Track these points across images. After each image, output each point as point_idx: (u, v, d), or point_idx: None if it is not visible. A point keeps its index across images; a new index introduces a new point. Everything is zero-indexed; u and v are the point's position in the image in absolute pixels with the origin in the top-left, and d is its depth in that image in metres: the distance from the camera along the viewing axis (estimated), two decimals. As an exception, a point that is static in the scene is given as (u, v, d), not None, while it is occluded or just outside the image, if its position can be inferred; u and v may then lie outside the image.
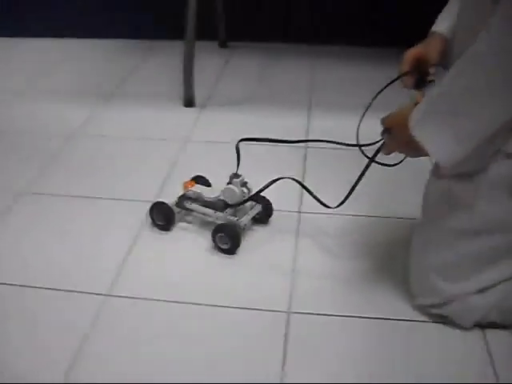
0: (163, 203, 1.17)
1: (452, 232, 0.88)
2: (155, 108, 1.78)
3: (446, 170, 0.85)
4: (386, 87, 0.94)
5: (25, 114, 1.76)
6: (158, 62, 2.14)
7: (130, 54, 2.23)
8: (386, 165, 1.00)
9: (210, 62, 2.13)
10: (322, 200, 1.09)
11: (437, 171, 0.90)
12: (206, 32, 2.24)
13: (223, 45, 2.31)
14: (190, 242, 1.16)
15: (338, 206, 1.04)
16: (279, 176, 1.11)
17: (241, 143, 1.13)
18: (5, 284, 1.04)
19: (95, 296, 1.01)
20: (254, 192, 1.14)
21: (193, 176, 1.25)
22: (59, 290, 1.03)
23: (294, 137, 1.21)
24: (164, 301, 1.00)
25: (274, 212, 1.22)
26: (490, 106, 0.76)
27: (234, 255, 1.12)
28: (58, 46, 2.34)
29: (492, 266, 0.88)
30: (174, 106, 1.79)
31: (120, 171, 1.42)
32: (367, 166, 0.97)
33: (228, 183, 1.14)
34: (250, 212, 1.17)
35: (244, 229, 1.15)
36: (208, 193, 1.18)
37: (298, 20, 2.24)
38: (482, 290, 0.89)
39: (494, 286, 0.89)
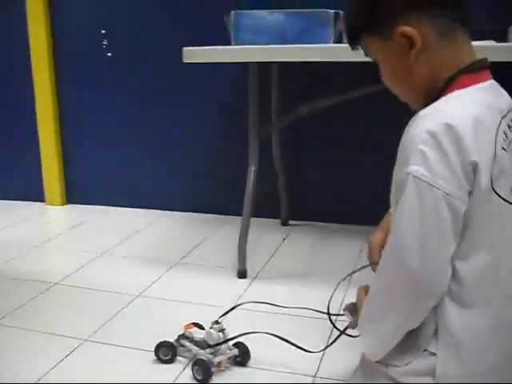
0: (167, 341, 1.45)
1: None
2: (212, 277, 2.01)
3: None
4: (359, 270, 1.12)
5: (100, 273, 2.04)
6: (225, 236, 2.41)
7: (202, 227, 2.54)
8: (354, 336, 1.14)
9: (269, 238, 2.39)
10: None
11: None
12: (271, 210, 2.54)
13: (285, 223, 2.57)
14: (177, 372, 1.39)
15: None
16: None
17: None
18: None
19: None
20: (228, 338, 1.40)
21: (193, 322, 1.50)
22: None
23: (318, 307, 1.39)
24: None
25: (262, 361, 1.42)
26: (394, 315, 0.92)
27: None
28: (139, 215, 2.73)
29: None
30: (229, 277, 2.00)
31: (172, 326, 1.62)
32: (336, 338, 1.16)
33: (210, 328, 1.41)
34: (226, 353, 1.40)
35: (217, 366, 1.37)
36: (198, 334, 1.45)
37: (350, 202, 2.48)
38: None
39: None
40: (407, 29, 0.90)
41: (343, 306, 1.13)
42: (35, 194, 2.96)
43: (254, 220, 2.20)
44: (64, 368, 1.44)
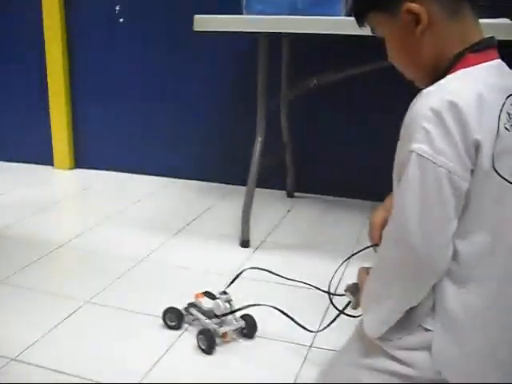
0: (175, 308, 1.47)
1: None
2: (215, 245, 2.03)
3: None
4: (360, 251, 1.12)
5: (105, 237, 2.08)
6: (230, 205, 2.42)
7: (208, 195, 2.56)
8: (353, 316, 1.15)
9: (274, 209, 2.40)
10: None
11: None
12: (278, 182, 2.56)
13: (290, 195, 2.58)
14: (185, 341, 1.41)
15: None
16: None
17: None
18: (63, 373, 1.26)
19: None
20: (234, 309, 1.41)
21: (204, 291, 1.51)
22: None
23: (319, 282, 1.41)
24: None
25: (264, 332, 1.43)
26: (395, 293, 0.93)
27: (210, 355, 1.36)
28: (146, 182, 2.75)
29: None
30: (232, 246, 2.03)
31: (173, 291, 1.64)
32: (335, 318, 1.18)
33: (217, 298, 1.43)
34: (232, 324, 1.42)
35: (222, 336, 1.40)
36: (207, 303, 1.45)
37: (354, 177, 2.48)
38: None
39: None
40: (413, 5, 0.90)
41: (344, 287, 1.13)
42: (44, 157, 2.99)
43: (260, 191, 2.22)
44: (64, 328, 1.47)
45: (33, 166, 3.02)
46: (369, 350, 1.01)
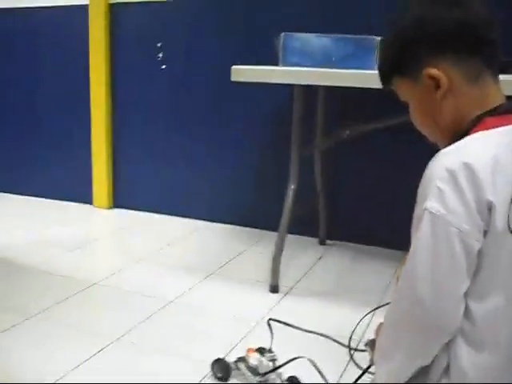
0: (223, 360, 1.47)
1: None
2: (245, 290, 2.06)
3: None
4: (386, 305, 1.12)
5: (138, 277, 2.13)
6: (262, 251, 2.45)
7: (240, 240, 2.60)
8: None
9: (306, 255, 2.42)
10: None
11: None
12: (310, 229, 2.58)
13: (322, 242, 2.60)
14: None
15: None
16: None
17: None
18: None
19: None
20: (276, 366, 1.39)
21: (258, 347, 1.49)
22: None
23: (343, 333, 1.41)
24: None
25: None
26: (404, 349, 0.92)
27: None
28: (180, 224, 2.81)
29: None
30: (261, 291, 2.05)
31: (200, 334, 1.67)
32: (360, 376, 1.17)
33: (262, 355, 1.42)
34: (276, 381, 1.41)
35: None
36: (254, 360, 1.43)
37: (386, 226, 2.49)
38: None
39: None
40: (433, 71, 0.94)
41: (365, 341, 1.14)
42: (84, 196, 3.09)
43: (292, 237, 2.25)
44: (93, 364, 1.51)
45: (73, 204, 3.12)
46: None
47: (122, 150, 3.02)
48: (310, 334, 1.65)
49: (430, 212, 0.86)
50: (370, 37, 1.84)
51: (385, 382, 0.97)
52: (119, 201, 3.08)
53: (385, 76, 1.05)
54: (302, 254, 2.45)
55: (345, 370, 1.48)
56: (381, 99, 2.18)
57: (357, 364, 1.22)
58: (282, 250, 2.07)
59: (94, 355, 1.55)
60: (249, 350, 1.48)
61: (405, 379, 0.94)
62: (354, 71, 1.80)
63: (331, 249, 2.55)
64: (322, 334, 1.57)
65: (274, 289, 2.04)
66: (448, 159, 0.88)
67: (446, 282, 0.86)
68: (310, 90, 2.17)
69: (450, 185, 0.85)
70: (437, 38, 0.94)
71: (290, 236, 2.14)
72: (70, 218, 2.90)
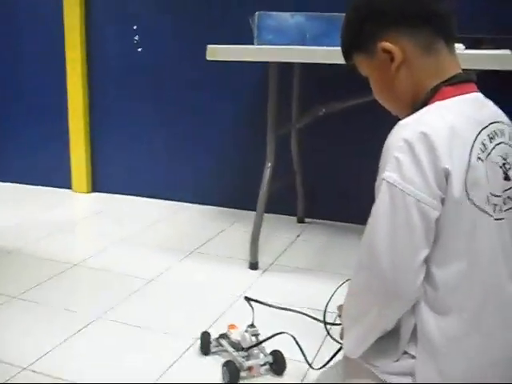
0: (208, 333, 1.49)
1: None
2: (224, 267, 2.09)
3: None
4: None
5: (118, 258, 2.14)
6: (241, 230, 2.48)
7: (219, 220, 2.62)
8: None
9: (284, 234, 2.45)
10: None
11: None
12: (288, 207, 2.61)
13: (300, 220, 2.63)
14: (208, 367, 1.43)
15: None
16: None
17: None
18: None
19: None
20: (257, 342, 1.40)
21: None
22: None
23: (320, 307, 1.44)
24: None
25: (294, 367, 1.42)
26: (367, 314, 0.95)
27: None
28: (159, 206, 2.83)
29: None
30: (241, 268, 2.08)
31: (181, 310, 1.70)
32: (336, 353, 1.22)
33: (245, 330, 1.40)
34: (259, 359, 1.41)
35: (249, 370, 1.37)
36: (236, 335, 1.44)
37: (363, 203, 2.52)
38: None
39: None
40: (387, 44, 0.96)
41: (337, 305, 1.17)
42: (63, 181, 3.08)
43: (271, 216, 2.28)
44: (75, 341, 1.54)
45: (52, 189, 3.11)
46: (355, 371, 1.03)
47: (101, 134, 3.02)
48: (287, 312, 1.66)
49: (388, 182, 0.88)
50: (343, 14, 1.85)
51: (354, 346, 0.99)
52: (98, 185, 3.08)
53: (345, 53, 1.08)
54: (280, 232, 2.47)
55: (321, 344, 1.51)
56: (356, 76, 2.22)
57: (334, 338, 1.25)
58: (260, 228, 2.10)
59: (76, 333, 1.57)
60: (230, 326, 1.50)
61: (370, 343, 0.97)
62: (327, 48, 1.82)
63: (309, 226, 2.58)
64: (297, 311, 1.60)
65: (254, 266, 2.07)
66: (405, 130, 0.90)
67: (404, 251, 0.88)
68: (285, 69, 2.19)
69: (407, 155, 0.87)
70: (386, 14, 0.97)
71: (268, 215, 2.17)
72: (49, 202, 2.90)
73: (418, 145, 0.86)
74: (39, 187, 3.14)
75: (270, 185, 2.13)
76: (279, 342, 1.44)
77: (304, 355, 1.40)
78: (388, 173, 0.89)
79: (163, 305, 1.77)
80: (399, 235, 0.88)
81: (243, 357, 1.40)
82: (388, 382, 0.95)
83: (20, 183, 3.19)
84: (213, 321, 1.65)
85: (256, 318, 1.47)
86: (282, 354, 1.41)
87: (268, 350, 1.43)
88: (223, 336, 1.49)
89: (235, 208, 2.77)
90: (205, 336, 1.49)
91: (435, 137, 0.86)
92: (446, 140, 0.87)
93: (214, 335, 1.49)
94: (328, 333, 1.29)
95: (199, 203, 2.86)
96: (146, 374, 1.39)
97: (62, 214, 2.74)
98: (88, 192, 3.06)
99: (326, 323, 1.29)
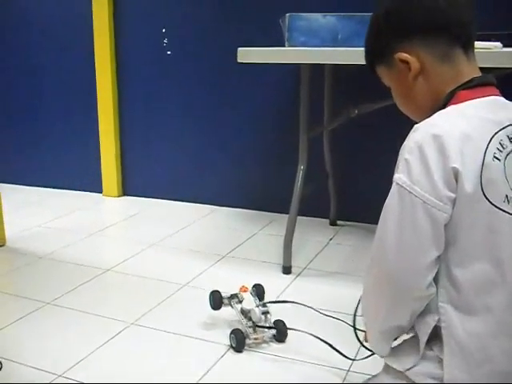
0: (218, 292, 1.63)
1: None
2: (258, 271, 2.06)
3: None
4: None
5: (151, 262, 2.14)
6: (274, 233, 2.46)
7: (252, 223, 2.61)
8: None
9: (317, 237, 2.43)
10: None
11: None
12: (321, 210, 2.58)
13: (333, 223, 2.60)
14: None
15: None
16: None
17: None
18: None
19: None
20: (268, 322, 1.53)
21: (253, 284, 1.64)
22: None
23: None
24: None
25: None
26: (380, 310, 0.97)
27: (239, 353, 1.49)
28: (191, 209, 2.81)
29: None
30: (275, 272, 2.05)
31: (215, 317, 1.68)
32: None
33: (256, 306, 1.55)
34: (264, 332, 1.53)
35: (256, 339, 1.51)
36: (247, 303, 1.55)
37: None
38: None
39: None
40: (404, 55, 0.98)
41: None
42: (94, 185, 3.10)
43: (303, 219, 2.25)
44: (109, 348, 1.53)
45: (83, 193, 3.13)
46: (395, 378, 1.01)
47: (130, 139, 3.03)
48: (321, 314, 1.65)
49: (397, 183, 0.91)
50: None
51: (376, 344, 1.03)
52: (129, 189, 3.09)
53: (369, 65, 1.11)
54: (313, 235, 2.45)
55: (359, 349, 1.48)
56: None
57: (363, 345, 1.24)
58: (293, 231, 2.08)
59: (109, 340, 1.56)
60: (242, 289, 1.62)
61: (391, 339, 1.00)
62: (359, 49, 1.78)
63: (342, 229, 2.55)
64: (330, 316, 1.61)
65: (287, 270, 2.05)
66: (418, 133, 0.91)
67: (410, 251, 0.90)
68: (317, 70, 2.16)
69: (417, 156, 0.88)
70: (402, 26, 0.99)
71: (300, 218, 2.14)
72: (80, 206, 2.91)
73: (428, 146, 0.87)
74: (70, 191, 3.16)
75: (302, 188, 2.10)
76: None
77: (331, 346, 1.45)
78: (398, 174, 0.91)
79: (197, 311, 1.75)
80: (406, 235, 0.90)
81: (250, 327, 1.52)
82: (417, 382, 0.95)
83: (51, 187, 3.22)
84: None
85: (289, 318, 1.50)
86: (284, 324, 1.54)
87: (273, 319, 1.55)
88: (234, 296, 1.61)
89: (266, 211, 2.75)
90: (215, 294, 1.61)
91: (446, 137, 0.87)
92: (458, 141, 0.87)
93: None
94: (358, 339, 1.28)
95: (230, 206, 2.84)
96: (181, 380, 1.37)
97: (93, 218, 2.76)
98: (118, 196, 3.08)
99: (355, 328, 1.28)
